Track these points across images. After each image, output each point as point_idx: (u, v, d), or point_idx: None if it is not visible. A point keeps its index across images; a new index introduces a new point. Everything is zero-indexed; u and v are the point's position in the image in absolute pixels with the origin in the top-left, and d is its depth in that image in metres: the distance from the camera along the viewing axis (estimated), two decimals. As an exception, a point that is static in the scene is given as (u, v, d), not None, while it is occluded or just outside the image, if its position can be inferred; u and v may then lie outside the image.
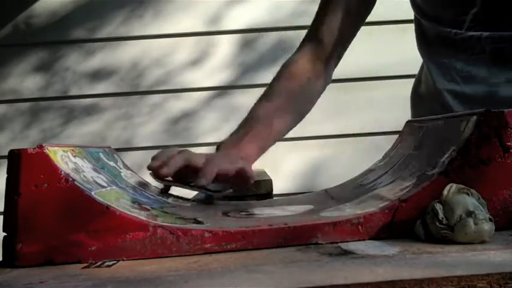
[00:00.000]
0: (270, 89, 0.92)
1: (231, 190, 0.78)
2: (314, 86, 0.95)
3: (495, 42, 0.85)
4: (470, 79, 0.89)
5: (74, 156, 0.58)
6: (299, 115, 0.94)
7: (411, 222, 0.52)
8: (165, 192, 0.72)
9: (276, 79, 0.94)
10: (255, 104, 0.90)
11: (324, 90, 0.98)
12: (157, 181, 0.72)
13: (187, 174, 0.73)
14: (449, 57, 0.91)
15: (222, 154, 0.80)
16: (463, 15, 0.87)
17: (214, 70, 2.01)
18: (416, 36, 0.99)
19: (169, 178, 0.72)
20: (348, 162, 1.95)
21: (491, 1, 0.85)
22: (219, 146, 0.84)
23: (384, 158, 0.76)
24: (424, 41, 0.97)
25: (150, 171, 0.72)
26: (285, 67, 0.96)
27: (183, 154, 0.74)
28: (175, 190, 0.74)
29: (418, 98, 1.03)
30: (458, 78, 0.90)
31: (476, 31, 0.87)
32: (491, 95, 0.86)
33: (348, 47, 0.97)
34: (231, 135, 0.86)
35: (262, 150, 0.86)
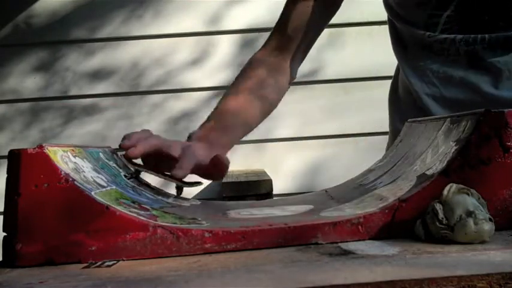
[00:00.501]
0: (237, 83, 0.93)
1: (201, 182, 0.78)
2: (279, 81, 0.96)
3: (469, 44, 0.85)
4: (447, 80, 0.88)
5: (74, 156, 0.58)
6: (266, 109, 0.95)
7: (411, 222, 0.52)
8: (135, 177, 0.70)
9: (241, 73, 0.95)
10: (223, 97, 0.91)
11: (288, 85, 0.99)
12: (127, 164, 0.70)
13: (158, 160, 0.72)
14: (425, 59, 0.90)
15: (197, 145, 0.79)
16: (436, 18, 0.87)
17: (214, 70, 2.01)
18: (391, 39, 0.99)
19: (139, 162, 0.71)
20: (348, 162, 1.95)
21: (464, 3, 0.85)
22: (189, 136, 0.83)
23: (383, 158, 0.76)
24: (399, 44, 0.97)
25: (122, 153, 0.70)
26: (251, 62, 0.97)
27: (156, 138, 0.73)
28: (148, 178, 0.73)
29: (396, 103, 1.02)
30: (435, 80, 0.89)
31: (450, 33, 0.86)
32: (470, 96, 0.86)
33: (313, 44, 0.98)
34: (201, 126, 0.85)
35: (232, 143, 0.87)
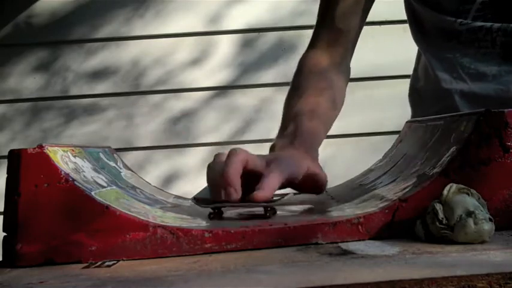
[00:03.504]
0: (298, 85, 0.84)
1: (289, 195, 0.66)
2: (339, 75, 0.89)
3: (507, 34, 0.77)
4: (479, 77, 0.80)
5: (74, 156, 0.58)
6: (336, 105, 0.86)
7: (411, 222, 0.52)
8: (215, 217, 0.60)
9: (299, 74, 0.86)
10: (287, 102, 0.81)
11: (348, 79, 0.91)
12: (202, 206, 0.61)
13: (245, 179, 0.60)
14: (454, 51, 0.82)
15: (285, 155, 0.66)
16: (468, 4, 0.79)
17: (214, 70, 2.01)
18: (409, 25, 0.90)
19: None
20: (348, 162, 1.95)
21: None
22: (272, 148, 0.72)
23: (383, 158, 0.76)
24: (420, 31, 0.88)
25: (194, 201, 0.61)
26: (306, 60, 0.88)
27: (274, 175, 0.60)
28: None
29: (417, 97, 0.95)
30: (465, 75, 0.81)
31: (484, 21, 0.78)
32: (503, 94, 0.79)
33: (359, 35, 0.89)
34: (279, 137, 0.74)
35: (318, 146, 0.76)
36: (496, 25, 0.78)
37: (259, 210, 0.59)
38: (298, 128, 0.73)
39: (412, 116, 0.97)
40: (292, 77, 0.87)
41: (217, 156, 0.62)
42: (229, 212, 0.65)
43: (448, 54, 0.83)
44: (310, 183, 0.66)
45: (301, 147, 0.70)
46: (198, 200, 0.61)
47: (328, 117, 0.83)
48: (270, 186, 0.59)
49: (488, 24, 0.78)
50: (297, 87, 0.84)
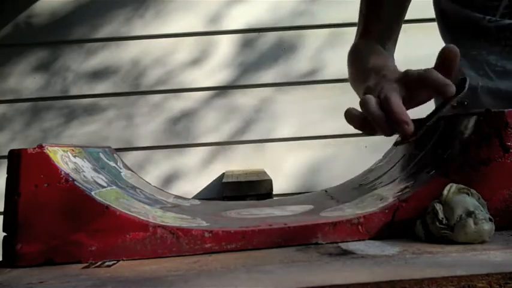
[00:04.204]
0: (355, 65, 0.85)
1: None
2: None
3: None
4: (505, 74, 0.80)
5: (74, 156, 0.58)
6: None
7: (411, 222, 0.52)
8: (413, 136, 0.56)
9: (356, 61, 0.86)
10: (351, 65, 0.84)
11: None
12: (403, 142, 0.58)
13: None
14: (480, 49, 0.82)
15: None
16: (496, 0, 0.79)
17: (214, 70, 2.01)
18: (437, 23, 0.90)
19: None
20: (348, 162, 1.95)
21: None
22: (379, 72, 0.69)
23: (383, 158, 0.76)
24: (447, 28, 0.88)
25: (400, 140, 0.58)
26: (357, 51, 0.88)
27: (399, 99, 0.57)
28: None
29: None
30: (491, 73, 0.81)
31: (511, 18, 0.78)
32: None
33: (401, 28, 0.90)
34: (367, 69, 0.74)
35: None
36: None
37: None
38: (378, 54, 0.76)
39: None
40: (349, 64, 0.88)
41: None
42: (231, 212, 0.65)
43: (474, 51, 0.83)
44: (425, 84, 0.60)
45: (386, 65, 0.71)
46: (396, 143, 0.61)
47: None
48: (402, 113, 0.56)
49: None
50: (353, 64, 0.86)
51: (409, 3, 0.88)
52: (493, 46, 0.81)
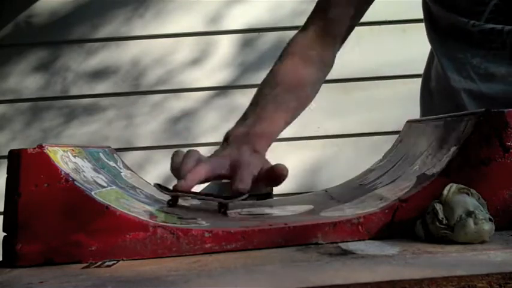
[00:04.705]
0: (277, 71, 0.87)
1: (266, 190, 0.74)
2: (322, 69, 0.90)
3: None
4: (488, 77, 0.82)
5: (74, 156, 0.58)
6: (305, 100, 0.88)
7: (411, 222, 0.52)
8: (173, 204, 0.65)
9: (282, 57, 0.88)
10: (261, 87, 0.85)
11: (328, 73, 0.92)
12: (162, 191, 0.66)
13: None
14: (465, 51, 0.83)
15: (248, 155, 0.72)
16: (482, 6, 0.80)
17: (214, 70, 2.01)
18: (425, 24, 0.92)
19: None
20: (348, 162, 1.95)
21: None
22: (227, 136, 0.77)
23: (384, 158, 0.76)
24: (434, 30, 0.90)
25: (157, 184, 0.67)
26: (292, 46, 0.89)
27: (203, 164, 0.68)
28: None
29: (428, 97, 0.96)
30: (474, 75, 0.83)
31: (496, 23, 0.80)
32: (510, 95, 0.80)
33: (352, 30, 0.92)
34: (240, 125, 0.79)
35: (273, 139, 0.81)
36: (507, 27, 0.79)
37: (213, 205, 0.65)
38: (258, 120, 0.78)
39: (421, 115, 0.98)
40: (278, 58, 0.89)
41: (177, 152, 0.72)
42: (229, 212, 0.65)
43: (459, 54, 0.84)
44: (270, 177, 0.71)
45: (256, 144, 0.75)
46: (160, 186, 0.66)
47: (296, 111, 0.85)
48: (246, 179, 0.66)
49: (500, 26, 0.80)
50: (276, 71, 0.87)
51: (368, 7, 0.90)
52: (477, 49, 0.82)
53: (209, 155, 0.74)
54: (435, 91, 0.93)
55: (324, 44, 0.89)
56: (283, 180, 0.71)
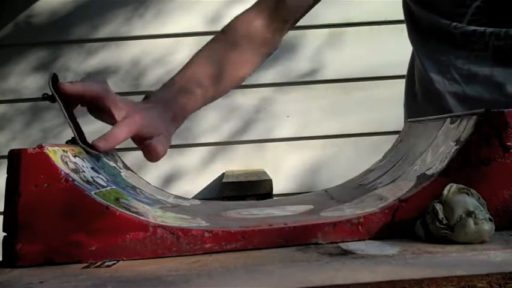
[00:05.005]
0: (216, 43, 0.86)
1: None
2: (264, 54, 0.89)
3: (500, 38, 0.79)
4: (471, 78, 0.82)
5: (74, 156, 0.58)
6: (234, 81, 0.89)
7: (411, 222, 0.52)
8: (46, 98, 0.64)
9: (225, 32, 0.87)
10: (199, 52, 0.85)
11: (271, 52, 0.91)
12: (51, 89, 0.63)
13: (99, 110, 0.68)
14: (448, 53, 0.84)
15: (150, 114, 0.70)
16: (464, 8, 0.81)
17: (215, 70, 2.01)
18: (407, 26, 0.92)
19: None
20: (348, 162, 1.95)
21: None
22: (147, 96, 0.77)
23: (384, 158, 0.76)
24: (416, 31, 0.89)
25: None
26: (239, 21, 0.88)
27: (104, 87, 0.68)
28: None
29: (411, 98, 0.95)
30: (458, 77, 0.83)
31: (478, 25, 0.80)
32: (494, 95, 0.81)
33: (304, 15, 0.89)
34: (163, 86, 0.79)
35: (191, 112, 0.81)
36: (489, 30, 0.80)
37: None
38: (181, 90, 0.78)
39: (406, 118, 0.97)
40: (221, 30, 0.88)
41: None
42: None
43: (442, 56, 0.85)
44: (147, 152, 0.69)
45: (171, 111, 0.74)
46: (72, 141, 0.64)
47: (215, 92, 0.86)
48: (114, 138, 0.63)
49: (482, 28, 0.80)
50: (213, 45, 0.86)
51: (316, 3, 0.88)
52: (460, 51, 0.83)
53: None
54: (418, 93, 0.93)
55: (275, 29, 0.87)
56: (153, 159, 0.69)
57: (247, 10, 0.88)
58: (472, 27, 0.81)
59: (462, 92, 0.84)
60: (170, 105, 0.75)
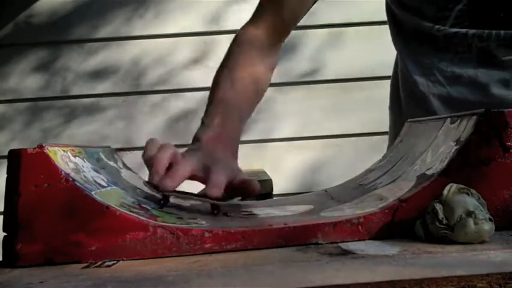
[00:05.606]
0: (230, 64, 0.90)
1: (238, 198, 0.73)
2: (271, 61, 0.93)
3: (482, 40, 0.80)
4: (455, 79, 0.83)
5: (74, 156, 0.58)
6: (259, 97, 0.91)
7: (411, 222, 0.52)
8: (164, 204, 0.63)
9: (234, 52, 0.91)
10: (217, 81, 0.88)
11: (276, 65, 0.95)
12: (153, 191, 0.64)
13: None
14: (431, 56, 0.84)
15: (220, 161, 0.70)
16: (447, 11, 0.81)
17: (214, 70, 2.01)
18: (390, 29, 0.92)
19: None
20: (348, 162, 1.95)
21: None
22: (198, 137, 0.76)
23: (383, 158, 0.76)
24: (399, 34, 0.90)
25: (147, 182, 0.64)
26: (244, 37, 0.93)
27: (186, 163, 0.65)
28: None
29: (397, 103, 0.95)
30: (442, 79, 0.83)
31: (461, 28, 0.81)
32: (479, 97, 0.81)
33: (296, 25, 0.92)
34: (206, 126, 0.78)
35: (242, 128, 0.82)
36: (472, 31, 0.80)
37: (206, 206, 0.64)
38: (225, 121, 0.77)
39: (391, 125, 0.98)
40: (227, 52, 0.91)
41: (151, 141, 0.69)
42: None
43: (425, 58, 0.85)
44: (243, 189, 0.70)
45: (228, 147, 0.74)
46: (149, 183, 0.64)
47: (252, 107, 0.87)
48: (221, 185, 0.63)
49: (464, 30, 0.81)
50: (229, 67, 0.89)
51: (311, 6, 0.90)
52: (443, 53, 0.83)
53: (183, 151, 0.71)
54: (403, 95, 0.93)
55: (274, 42, 0.91)
56: (253, 196, 0.71)
57: (250, 26, 0.93)
58: (455, 30, 0.81)
59: (446, 93, 0.84)
60: (223, 147, 0.74)
